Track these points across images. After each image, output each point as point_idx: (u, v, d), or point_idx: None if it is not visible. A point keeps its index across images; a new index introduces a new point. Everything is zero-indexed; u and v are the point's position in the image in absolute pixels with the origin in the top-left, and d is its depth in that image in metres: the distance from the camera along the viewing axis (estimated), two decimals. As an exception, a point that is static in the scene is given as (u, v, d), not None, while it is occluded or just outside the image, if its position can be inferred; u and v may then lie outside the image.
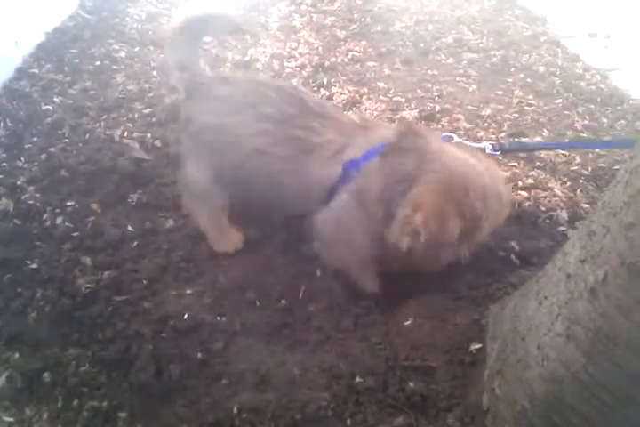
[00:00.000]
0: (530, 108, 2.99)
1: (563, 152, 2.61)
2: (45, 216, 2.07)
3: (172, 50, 1.91)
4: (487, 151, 2.08)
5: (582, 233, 1.18)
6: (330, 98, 2.92)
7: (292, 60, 3.32)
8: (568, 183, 2.41)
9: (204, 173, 1.88)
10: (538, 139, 2.71)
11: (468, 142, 2.07)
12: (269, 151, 1.76)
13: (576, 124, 2.86)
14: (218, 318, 1.75)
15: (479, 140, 2.65)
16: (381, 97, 3.00)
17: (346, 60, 3.39)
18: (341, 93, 2.96)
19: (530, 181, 2.38)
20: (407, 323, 1.69)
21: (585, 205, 2.26)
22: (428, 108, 2.89)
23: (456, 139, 2.01)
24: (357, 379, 1.55)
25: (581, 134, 2.78)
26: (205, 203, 1.95)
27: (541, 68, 3.42)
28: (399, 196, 1.58)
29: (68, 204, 2.13)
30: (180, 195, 2.08)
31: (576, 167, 2.52)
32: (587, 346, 1.07)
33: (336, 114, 1.82)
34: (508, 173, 2.41)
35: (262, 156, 1.77)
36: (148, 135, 2.51)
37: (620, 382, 1.04)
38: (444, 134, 1.99)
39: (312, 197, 1.78)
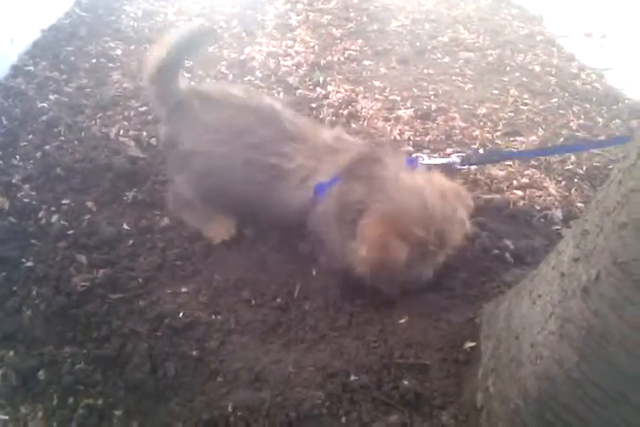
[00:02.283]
0: (525, 108, 3.00)
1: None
2: (41, 214, 2.06)
3: (151, 85, 1.89)
4: (456, 166, 2.07)
5: (576, 232, 1.19)
6: (326, 96, 2.93)
7: (288, 58, 3.32)
8: (563, 182, 2.43)
9: (191, 189, 1.94)
10: (532, 138, 2.71)
11: (436, 160, 2.09)
12: (250, 179, 1.81)
13: (571, 124, 2.87)
14: (213, 316, 1.76)
15: (474, 139, 2.67)
16: (377, 96, 3.00)
17: (342, 58, 3.39)
18: (337, 92, 2.97)
19: (525, 180, 2.39)
20: (402, 321, 1.71)
21: (579, 204, 2.28)
22: (424, 106, 2.90)
23: (425, 159, 2.03)
24: (352, 377, 1.55)
25: (576, 133, 2.80)
26: (194, 210, 2.02)
27: (537, 68, 3.43)
28: (351, 223, 1.67)
29: (64, 202, 2.12)
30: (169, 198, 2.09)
31: (571, 166, 2.53)
32: (580, 344, 1.07)
33: (310, 134, 1.84)
34: (502, 173, 2.42)
35: (244, 183, 1.82)
36: (144, 133, 2.51)
37: (612, 380, 1.04)
38: (413, 155, 1.99)
39: (289, 218, 1.85)
